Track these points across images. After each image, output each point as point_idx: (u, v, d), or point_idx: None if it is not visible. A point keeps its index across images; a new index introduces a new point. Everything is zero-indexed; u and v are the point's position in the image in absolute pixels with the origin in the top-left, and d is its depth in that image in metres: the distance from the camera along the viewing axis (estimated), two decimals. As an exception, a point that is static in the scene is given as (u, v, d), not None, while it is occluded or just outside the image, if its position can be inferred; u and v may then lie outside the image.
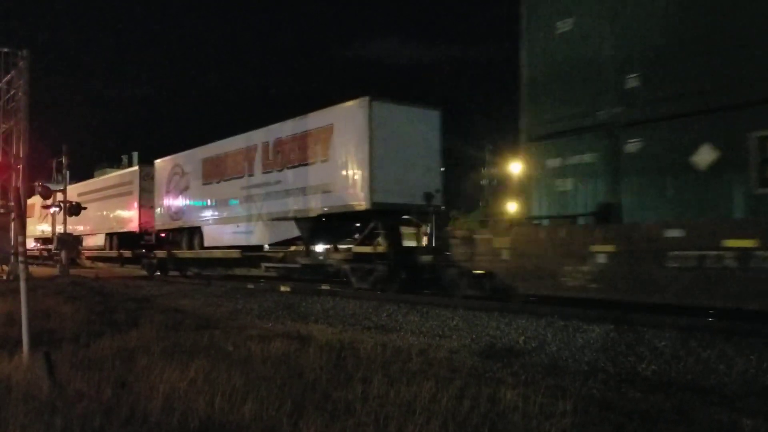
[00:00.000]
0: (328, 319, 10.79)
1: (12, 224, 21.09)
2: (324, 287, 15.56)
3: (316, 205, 16.20)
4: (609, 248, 9.09)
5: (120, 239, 28.41)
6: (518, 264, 10.35)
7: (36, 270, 27.44)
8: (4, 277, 20.85)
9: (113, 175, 31.06)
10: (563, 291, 9.77)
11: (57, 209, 27.66)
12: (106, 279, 21.70)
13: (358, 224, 16.22)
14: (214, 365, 6.04)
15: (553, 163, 10.25)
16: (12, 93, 21.43)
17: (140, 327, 9.14)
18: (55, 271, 26.37)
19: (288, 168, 17.35)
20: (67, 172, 29.54)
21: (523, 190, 10.98)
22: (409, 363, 6.55)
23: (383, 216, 14.82)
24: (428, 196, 14.59)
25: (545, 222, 10.44)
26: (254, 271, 20.02)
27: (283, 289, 15.58)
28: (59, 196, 27.25)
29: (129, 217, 27.16)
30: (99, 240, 30.58)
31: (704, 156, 8.39)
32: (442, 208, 15.12)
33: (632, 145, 9.20)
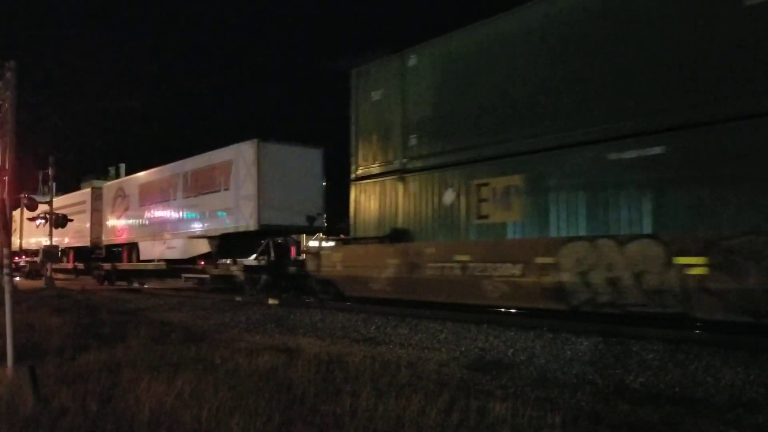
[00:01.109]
0: (316, 331, 10.75)
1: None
2: (308, 299, 15.55)
3: (220, 226, 19.72)
4: (396, 261, 12.45)
5: (75, 253, 31.43)
6: (346, 273, 13.80)
7: (21, 282, 27.20)
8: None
9: (71, 195, 33.25)
10: (372, 293, 13.22)
11: (42, 221, 27.69)
12: (93, 292, 21.51)
13: (263, 240, 18.91)
14: (201, 379, 6.00)
15: (369, 197, 13.80)
16: (-2, 104, 21.27)
17: (127, 340, 9.06)
18: (38, 283, 26.15)
19: (201, 194, 20.94)
20: (54, 184, 29.46)
21: (352, 216, 14.36)
22: (397, 376, 6.53)
23: (274, 234, 18.32)
24: (310, 219, 18.21)
25: (362, 242, 13.84)
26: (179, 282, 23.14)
27: (271, 302, 15.52)
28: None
29: (82, 232, 29.82)
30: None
31: (449, 197, 11.93)
32: (324, 227, 18.77)
33: (412, 186, 12.79)
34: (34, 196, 29.20)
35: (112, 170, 37.37)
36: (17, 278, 30.11)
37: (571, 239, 9.63)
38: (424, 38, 12.83)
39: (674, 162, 8.64)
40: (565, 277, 9.54)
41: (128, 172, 31.29)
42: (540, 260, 9.87)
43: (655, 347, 7.55)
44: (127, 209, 26.34)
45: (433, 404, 4.96)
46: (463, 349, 8.60)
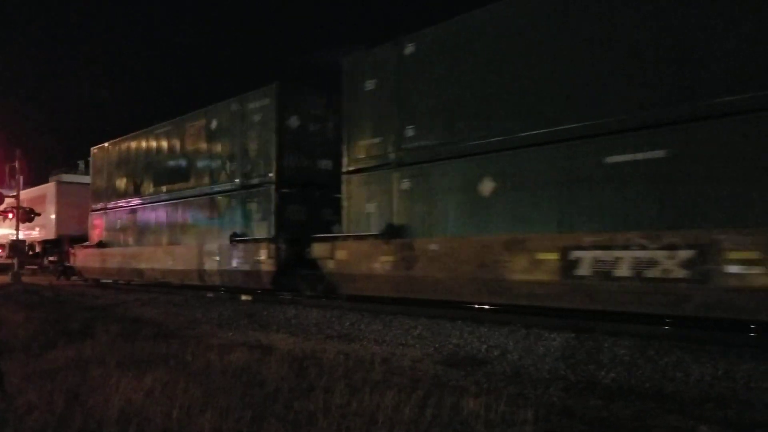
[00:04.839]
0: (290, 328, 10.68)
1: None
2: (284, 296, 15.48)
3: (42, 234, 30.64)
4: (99, 258, 21.93)
5: None
6: (86, 264, 23.29)
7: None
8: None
9: None
10: (96, 276, 23.12)
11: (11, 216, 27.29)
12: (61, 287, 21.15)
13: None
14: (172, 376, 5.90)
15: (103, 219, 22.37)
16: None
17: (95, 337, 8.90)
18: (3, 278, 25.67)
19: (35, 213, 29.94)
20: (21, 178, 28.87)
21: (90, 231, 23.40)
22: (371, 372, 6.51)
23: (72, 241, 26.15)
24: None
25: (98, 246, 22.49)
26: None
27: (244, 297, 15.40)
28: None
29: None
30: None
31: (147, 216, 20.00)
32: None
33: (111, 216, 21.76)
34: (1, 190, 28.64)
35: (81, 164, 36.91)
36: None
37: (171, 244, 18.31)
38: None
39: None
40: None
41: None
42: (183, 259, 17.47)
43: (627, 343, 7.63)
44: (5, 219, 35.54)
45: (407, 400, 4.94)
46: (437, 345, 8.61)
